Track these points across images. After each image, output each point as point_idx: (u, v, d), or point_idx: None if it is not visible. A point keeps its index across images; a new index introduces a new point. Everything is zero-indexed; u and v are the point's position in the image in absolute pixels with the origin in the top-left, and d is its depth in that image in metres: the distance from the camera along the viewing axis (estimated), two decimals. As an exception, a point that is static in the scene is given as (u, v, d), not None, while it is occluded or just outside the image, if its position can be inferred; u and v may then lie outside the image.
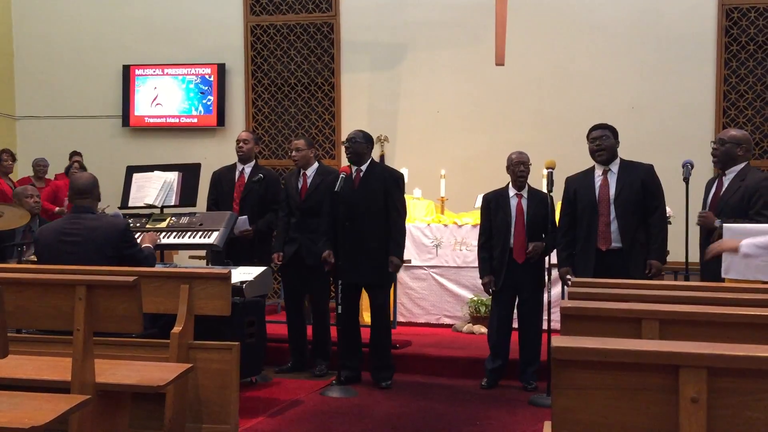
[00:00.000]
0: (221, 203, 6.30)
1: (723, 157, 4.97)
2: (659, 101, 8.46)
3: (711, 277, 4.62)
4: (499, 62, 7.62)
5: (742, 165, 4.93)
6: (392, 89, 9.13)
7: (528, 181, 5.71)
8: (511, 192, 5.66)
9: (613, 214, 5.15)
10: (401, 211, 5.71)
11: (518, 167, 5.61)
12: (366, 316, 6.51)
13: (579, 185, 5.35)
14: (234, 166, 6.42)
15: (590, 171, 5.37)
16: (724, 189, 4.93)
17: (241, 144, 6.36)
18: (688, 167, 5.12)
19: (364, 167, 5.71)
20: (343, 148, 9.02)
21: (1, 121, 9.91)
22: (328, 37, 9.28)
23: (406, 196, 5.93)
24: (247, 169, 6.36)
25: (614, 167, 5.26)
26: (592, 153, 5.29)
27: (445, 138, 8.91)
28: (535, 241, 5.52)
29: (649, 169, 5.27)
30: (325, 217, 5.70)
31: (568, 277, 5.24)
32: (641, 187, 5.16)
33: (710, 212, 4.86)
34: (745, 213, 4.77)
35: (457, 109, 8.94)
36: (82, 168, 8.41)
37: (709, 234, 4.88)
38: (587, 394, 1.75)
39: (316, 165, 6.14)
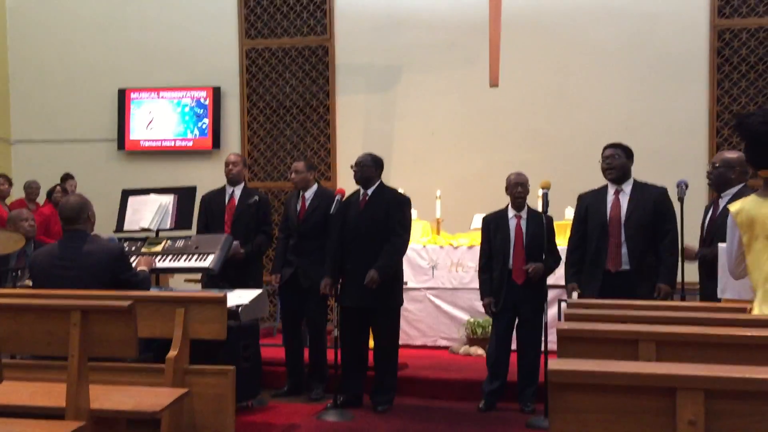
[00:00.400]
0: (212, 226, 6.28)
1: (716, 181, 5.01)
2: (653, 121, 8.50)
3: (709, 296, 4.62)
4: (494, 83, 7.66)
5: (738, 187, 4.94)
6: (387, 111, 9.16)
7: (528, 202, 5.71)
8: (510, 213, 5.67)
9: (623, 236, 5.12)
10: (401, 233, 5.62)
11: (516, 188, 5.61)
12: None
13: (591, 203, 5.32)
14: (223, 189, 6.42)
15: (603, 189, 5.34)
16: (719, 211, 4.95)
17: (230, 167, 6.36)
18: (682, 187, 5.12)
19: (370, 190, 5.71)
20: (337, 170, 9.14)
21: (-3, 145, 9.91)
22: (322, 59, 9.32)
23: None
24: (237, 191, 6.35)
25: (626, 187, 5.23)
26: (603, 171, 5.28)
27: (441, 159, 8.94)
28: (534, 261, 5.50)
29: (662, 192, 5.23)
30: (328, 243, 5.69)
31: (575, 293, 5.21)
32: (653, 209, 5.13)
33: (689, 245, 4.92)
34: None
35: (451, 130, 8.97)
36: (64, 192, 8.39)
37: (698, 255, 4.92)
38: (585, 417, 1.74)
39: (315, 187, 6.15)
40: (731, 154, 5.09)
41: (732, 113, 8.38)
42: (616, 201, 5.21)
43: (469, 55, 8.71)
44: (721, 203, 4.97)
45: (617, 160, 5.22)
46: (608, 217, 5.17)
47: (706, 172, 5.11)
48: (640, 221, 5.11)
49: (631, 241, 5.10)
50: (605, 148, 5.34)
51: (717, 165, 5.01)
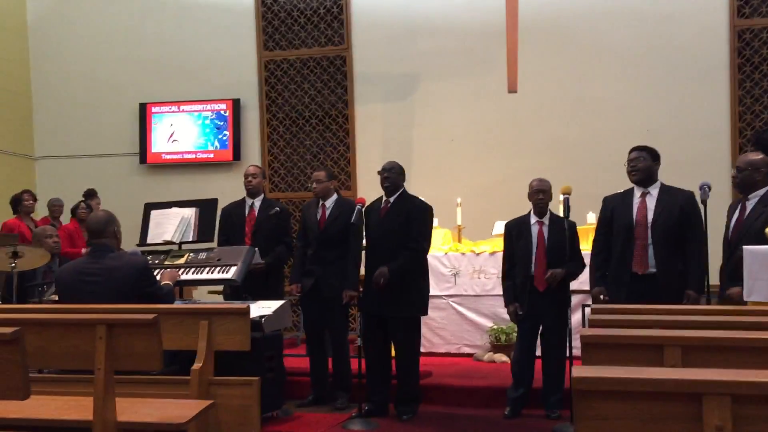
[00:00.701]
0: (232, 239, 6.30)
1: (743, 184, 4.97)
2: (674, 124, 8.44)
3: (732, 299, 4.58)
4: (512, 89, 7.64)
5: (765, 189, 4.92)
6: (406, 119, 9.17)
7: (549, 207, 5.69)
8: (533, 219, 5.64)
9: (649, 239, 5.07)
10: (420, 241, 5.60)
11: (537, 195, 5.58)
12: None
13: (617, 205, 5.28)
14: (243, 201, 6.45)
15: (629, 192, 5.29)
16: (747, 214, 4.91)
17: (249, 178, 6.40)
18: (705, 189, 5.04)
19: (393, 198, 5.71)
20: (357, 179, 9.16)
21: (21, 162, 10.03)
22: (340, 69, 9.35)
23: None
24: (257, 203, 6.38)
25: (653, 190, 5.19)
26: (628, 174, 5.25)
27: (460, 166, 8.93)
28: (557, 267, 5.47)
29: (690, 196, 5.15)
30: (350, 253, 5.70)
31: (602, 297, 5.17)
32: (680, 213, 5.07)
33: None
34: None
35: (471, 137, 8.96)
36: (89, 208, 8.44)
37: (731, 257, 4.86)
38: (610, 424, 1.73)
39: (335, 196, 6.16)
40: (755, 156, 5.04)
41: (754, 114, 8.31)
42: (643, 203, 5.16)
43: (487, 61, 8.71)
44: (748, 205, 4.93)
45: (642, 162, 5.18)
46: (635, 220, 5.12)
47: (731, 176, 5.06)
48: (667, 224, 5.05)
49: (658, 245, 5.04)
50: (631, 150, 5.30)
51: (742, 168, 4.96)
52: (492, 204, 8.29)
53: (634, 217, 5.13)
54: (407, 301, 5.57)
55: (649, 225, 5.07)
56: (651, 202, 5.14)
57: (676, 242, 5.06)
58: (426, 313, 5.80)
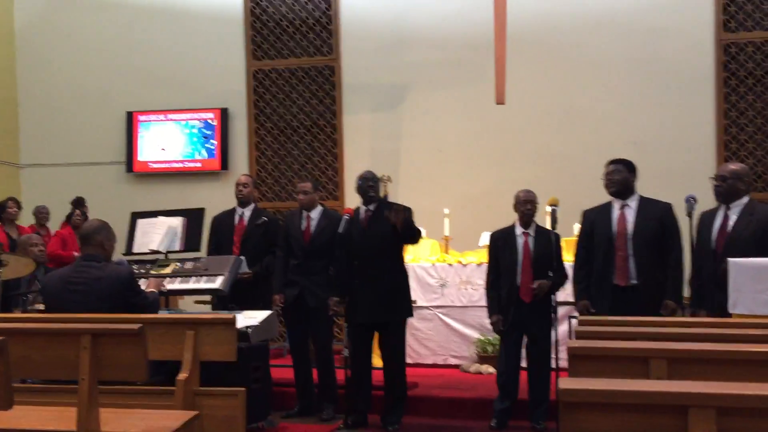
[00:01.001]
0: (221, 248, 6.29)
1: (727, 194, 5.00)
2: (661, 136, 8.49)
3: (717, 311, 4.60)
4: (500, 101, 7.67)
5: (747, 198, 4.97)
6: (394, 129, 9.18)
7: (535, 219, 5.71)
8: (518, 230, 5.66)
9: (630, 250, 5.11)
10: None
11: (525, 206, 5.61)
12: (376, 358, 6.44)
13: (597, 218, 5.33)
14: (233, 210, 6.43)
15: (608, 205, 5.36)
16: (732, 224, 4.93)
17: (240, 188, 6.39)
18: (691, 202, 5.09)
19: (372, 207, 5.72)
20: (344, 189, 9.14)
21: (6, 170, 9.97)
22: (329, 79, 9.36)
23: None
24: (247, 212, 6.37)
25: (632, 203, 5.25)
26: (606, 187, 5.32)
27: (448, 177, 8.94)
28: (542, 279, 5.49)
29: (668, 208, 5.24)
30: (335, 262, 5.70)
31: (588, 309, 5.19)
32: (659, 225, 5.14)
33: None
34: (758, 247, 4.74)
35: (459, 148, 8.98)
36: (83, 216, 8.43)
37: (717, 268, 4.88)
38: (596, 436, 1.73)
39: (320, 207, 6.16)
40: (736, 166, 5.12)
41: (739, 127, 8.37)
42: (622, 215, 5.22)
43: (475, 72, 8.74)
44: (731, 215, 4.96)
45: (618, 175, 5.27)
46: (615, 231, 5.18)
47: (714, 186, 5.08)
48: (647, 235, 5.12)
49: (639, 256, 5.10)
50: (607, 164, 5.39)
51: (727, 177, 4.99)
52: (479, 215, 8.29)
53: (614, 229, 5.19)
54: (398, 305, 5.61)
55: (629, 236, 5.13)
56: (630, 214, 5.21)
57: (656, 253, 5.12)
58: (412, 315, 5.84)
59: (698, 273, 5.01)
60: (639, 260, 5.09)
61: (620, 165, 5.31)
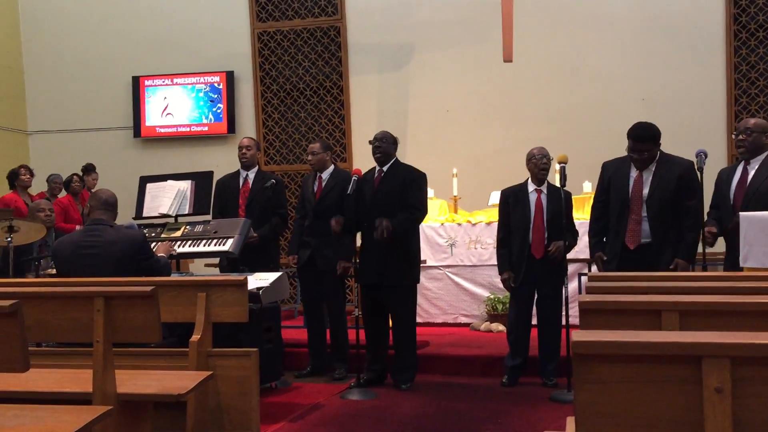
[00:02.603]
0: (226, 211, 6.29)
1: (751, 147, 4.94)
2: (670, 92, 8.42)
3: (731, 266, 4.59)
4: (507, 59, 7.61)
5: (766, 153, 4.93)
6: (401, 90, 9.13)
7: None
8: (531, 187, 5.62)
9: (644, 213, 4.99)
10: (419, 207, 5.60)
11: (541, 160, 5.52)
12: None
13: (614, 174, 5.16)
14: (237, 173, 6.42)
15: (627, 160, 5.11)
16: (750, 177, 4.90)
17: (243, 150, 6.36)
18: (701, 156, 5.01)
19: (386, 167, 5.70)
20: (352, 151, 9.13)
21: (14, 137, 9.98)
22: (334, 40, 9.29)
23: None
24: (251, 175, 6.36)
25: (652, 165, 5.04)
26: (634, 161, 5.05)
27: (456, 137, 8.91)
28: (555, 237, 5.46)
29: (689, 165, 5.03)
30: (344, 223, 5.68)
31: (603, 259, 5.13)
32: (677, 183, 4.96)
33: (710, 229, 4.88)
34: None
35: (466, 108, 8.93)
36: (81, 181, 8.47)
37: (727, 224, 4.87)
38: (609, 387, 1.73)
39: (331, 168, 6.14)
40: (759, 120, 5.04)
41: (750, 80, 8.29)
42: (639, 178, 5.03)
43: (482, 31, 8.65)
44: (750, 169, 4.92)
45: (647, 155, 5.00)
46: (630, 194, 5.05)
47: (737, 141, 5.02)
48: (663, 198, 4.96)
49: (653, 219, 4.97)
50: (635, 140, 5.00)
51: (753, 130, 4.93)
52: (488, 174, 8.28)
53: (630, 190, 5.06)
54: (405, 269, 5.59)
55: (644, 200, 5.00)
56: (647, 175, 5.02)
57: (671, 213, 4.99)
58: (419, 281, 5.83)
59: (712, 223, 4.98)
60: (654, 223, 4.96)
61: (649, 143, 4.99)
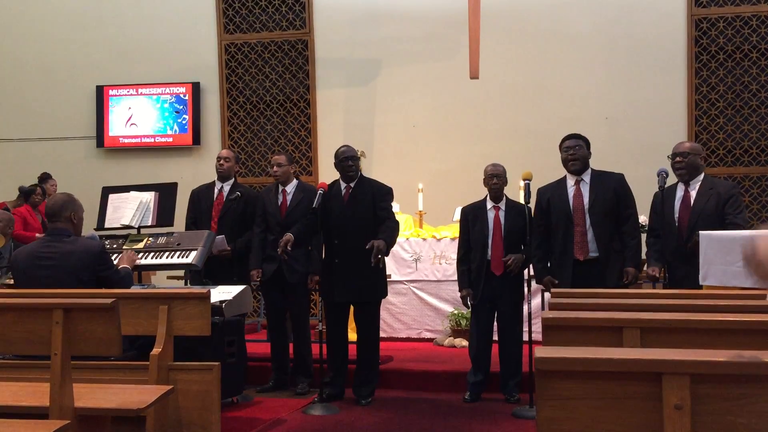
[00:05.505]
0: (199, 222, 6.24)
1: (690, 169, 5.19)
2: (632, 111, 8.55)
3: (690, 285, 4.68)
4: (474, 75, 7.67)
5: (703, 175, 5.23)
6: (368, 104, 9.15)
7: (506, 192, 5.73)
8: (489, 204, 5.68)
9: (588, 223, 5.19)
10: (393, 218, 5.65)
11: (492, 180, 5.63)
12: (351, 332, 6.46)
13: (552, 195, 5.38)
14: (213, 184, 6.38)
15: (562, 181, 5.42)
16: (693, 199, 5.11)
17: (221, 161, 6.32)
18: (663, 176, 5.20)
19: (353, 183, 5.70)
20: (318, 164, 9.11)
21: (-26, 145, 9.80)
22: (302, 53, 9.28)
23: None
24: (226, 187, 6.31)
25: (586, 177, 5.32)
26: (565, 162, 5.35)
27: (422, 152, 8.94)
28: (513, 252, 5.52)
29: (621, 178, 5.34)
30: (314, 238, 5.66)
31: (554, 283, 5.24)
32: (614, 195, 5.23)
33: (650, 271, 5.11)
34: (721, 219, 4.95)
35: (432, 123, 8.97)
36: (42, 192, 8.31)
37: (687, 240, 4.97)
38: (571, 404, 1.75)
39: (295, 181, 6.13)
40: (691, 143, 5.40)
41: (710, 102, 8.44)
42: (578, 190, 5.28)
43: (449, 47, 8.71)
44: (691, 190, 5.16)
45: (580, 151, 5.32)
46: (572, 207, 5.25)
47: (673, 164, 5.24)
48: (604, 207, 5.21)
49: (597, 228, 5.18)
50: (565, 139, 5.41)
51: (687, 152, 5.18)
52: (453, 190, 8.31)
53: (571, 203, 5.25)
54: (378, 285, 5.62)
55: (587, 209, 5.21)
56: (585, 189, 5.29)
57: (613, 224, 5.22)
58: (387, 295, 5.86)
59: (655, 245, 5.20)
60: (597, 232, 5.18)
61: (580, 140, 5.36)
